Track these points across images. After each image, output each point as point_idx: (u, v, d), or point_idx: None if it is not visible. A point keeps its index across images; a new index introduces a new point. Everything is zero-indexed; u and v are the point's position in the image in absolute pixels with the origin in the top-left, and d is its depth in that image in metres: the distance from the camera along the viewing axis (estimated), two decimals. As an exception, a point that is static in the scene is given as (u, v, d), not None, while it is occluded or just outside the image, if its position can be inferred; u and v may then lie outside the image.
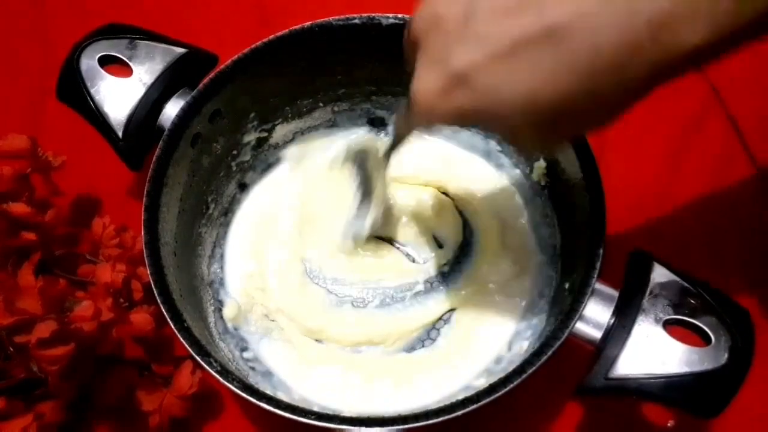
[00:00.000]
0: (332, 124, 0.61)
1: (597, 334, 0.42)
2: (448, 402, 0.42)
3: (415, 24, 0.33)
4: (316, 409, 0.49)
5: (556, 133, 0.33)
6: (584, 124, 0.33)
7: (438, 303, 0.55)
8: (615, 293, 0.43)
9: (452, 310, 0.55)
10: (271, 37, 0.52)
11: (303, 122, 0.60)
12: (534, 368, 0.41)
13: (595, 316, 0.43)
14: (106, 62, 0.54)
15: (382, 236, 0.57)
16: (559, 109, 0.29)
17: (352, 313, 0.55)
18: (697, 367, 0.40)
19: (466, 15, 0.30)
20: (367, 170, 0.53)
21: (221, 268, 0.57)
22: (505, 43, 0.28)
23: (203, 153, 0.54)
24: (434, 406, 0.42)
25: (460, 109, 0.31)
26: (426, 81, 0.32)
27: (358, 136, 0.60)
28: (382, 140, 0.54)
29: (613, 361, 0.41)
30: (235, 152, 0.58)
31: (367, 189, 0.53)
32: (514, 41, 0.28)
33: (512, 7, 0.28)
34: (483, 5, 0.29)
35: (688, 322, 0.42)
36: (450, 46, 0.30)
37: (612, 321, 0.42)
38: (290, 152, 0.61)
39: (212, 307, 0.55)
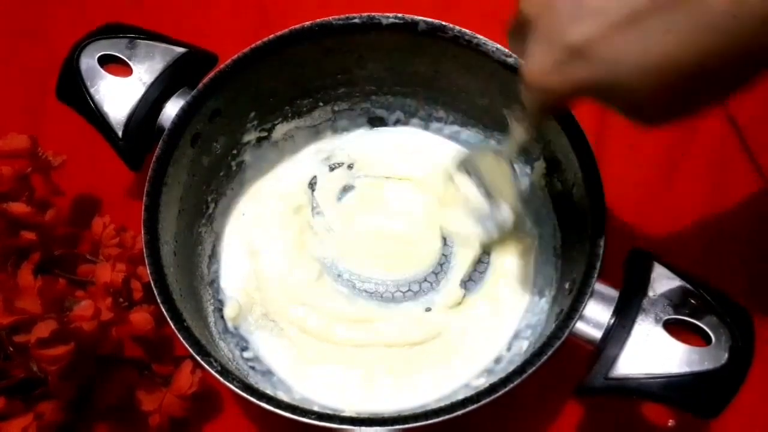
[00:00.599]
0: (332, 124, 0.61)
1: (597, 333, 0.42)
2: (447, 401, 0.42)
3: (525, 7, 0.32)
4: (316, 408, 0.49)
5: (691, 100, 0.31)
6: (724, 88, 0.30)
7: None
8: (615, 293, 0.43)
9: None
10: (271, 36, 0.51)
11: (303, 121, 0.60)
12: (534, 368, 0.41)
13: (595, 315, 0.43)
14: (106, 62, 0.53)
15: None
16: (700, 72, 0.28)
17: (359, 310, 0.55)
18: (697, 367, 0.40)
19: None
20: (481, 173, 0.53)
21: (221, 267, 0.57)
22: (626, 12, 0.28)
23: (203, 153, 0.54)
24: (434, 405, 0.42)
25: (578, 82, 0.31)
26: (540, 59, 0.31)
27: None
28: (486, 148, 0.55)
29: (613, 360, 0.41)
30: (235, 152, 0.58)
31: (488, 190, 0.53)
32: (635, 10, 0.27)
33: None
34: None
35: (688, 322, 0.42)
36: (564, 22, 0.30)
37: (612, 321, 0.42)
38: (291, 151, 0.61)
39: (212, 307, 0.55)
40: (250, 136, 0.58)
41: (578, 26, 0.29)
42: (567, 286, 0.48)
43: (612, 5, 0.28)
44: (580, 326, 0.43)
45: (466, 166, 0.53)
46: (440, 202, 0.57)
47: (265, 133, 0.59)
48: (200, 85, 0.51)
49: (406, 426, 0.41)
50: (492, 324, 0.54)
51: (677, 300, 0.42)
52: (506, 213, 0.53)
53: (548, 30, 0.31)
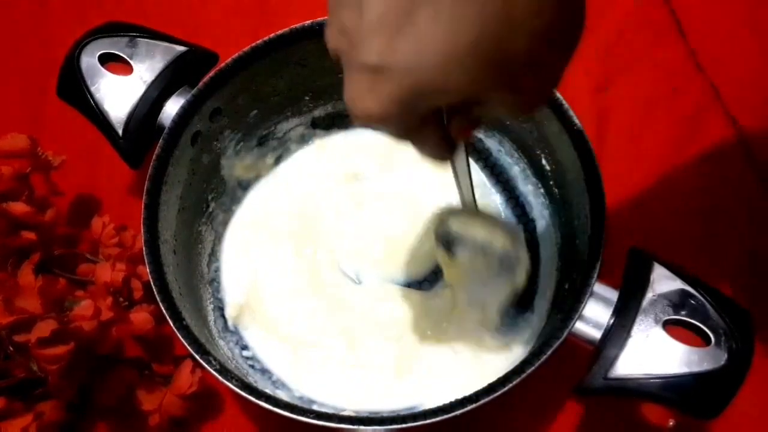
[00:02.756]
0: (333, 123, 0.61)
1: (597, 334, 0.42)
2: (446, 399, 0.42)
3: (329, 42, 0.32)
4: (315, 407, 0.49)
5: (519, 82, 0.30)
6: (536, 62, 0.29)
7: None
8: (615, 293, 0.43)
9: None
10: (272, 35, 0.51)
11: (303, 120, 0.60)
12: (533, 368, 0.41)
13: (594, 316, 0.43)
14: (107, 60, 0.53)
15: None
16: (486, 43, 0.27)
17: (359, 309, 0.55)
18: (697, 368, 0.40)
19: (357, 14, 0.29)
20: (463, 236, 0.49)
21: (221, 266, 0.57)
22: (399, 16, 0.27)
23: (203, 151, 0.54)
24: (432, 404, 0.42)
25: (395, 98, 0.29)
26: (351, 88, 0.31)
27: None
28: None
29: (612, 361, 0.41)
30: (235, 150, 0.58)
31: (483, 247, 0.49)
32: (406, 9, 0.27)
33: None
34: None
35: (688, 322, 0.42)
36: (356, 45, 0.29)
37: (612, 321, 0.42)
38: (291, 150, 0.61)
39: (212, 306, 0.55)
40: (251, 135, 0.58)
41: (367, 46, 0.29)
42: (567, 286, 0.48)
43: (385, 16, 0.28)
44: (580, 326, 0.43)
45: (447, 238, 0.50)
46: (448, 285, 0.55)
47: (265, 132, 0.59)
48: (201, 84, 0.51)
49: (406, 426, 0.41)
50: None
51: (677, 300, 0.42)
52: (515, 254, 0.49)
53: (348, 58, 0.30)
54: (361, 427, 0.42)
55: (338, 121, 0.61)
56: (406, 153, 0.60)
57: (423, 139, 0.35)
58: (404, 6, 0.27)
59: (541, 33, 0.28)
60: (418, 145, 0.36)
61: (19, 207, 0.52)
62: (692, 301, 0.42)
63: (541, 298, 0.53)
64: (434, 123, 0.34)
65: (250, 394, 0.42)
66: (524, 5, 0.27)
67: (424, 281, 0.56)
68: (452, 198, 0.57)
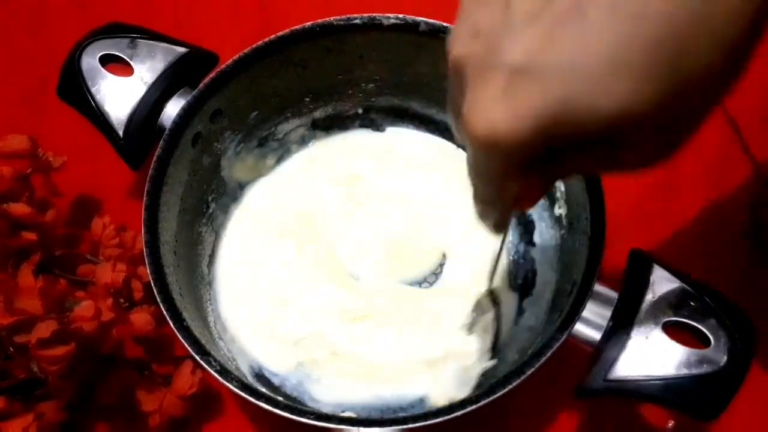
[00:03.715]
0: (333, 124, 0.61)
1: (596, 335, 0.42)
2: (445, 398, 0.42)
3: (453, 52, 0.26)
4: (316, 405, 0.49)
5: (682, 103, 0.23)
6: (707, 73, 0.22)
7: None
8: (614, 294, 0.43)
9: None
10: (272, 36, 0.51)
11: (304, 121, 0.60)
12: (533, 369, 0.41)
13: (594, 317, 0.43)
14: (107, 61, 0.54)
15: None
16: (666, 51, 0.21)
17: (360, 307, 0.55)
18: (696, 369, 0.40)
19: (500, 11, 0.24)
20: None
21: (221, 267, 0.57)
22: (560, 12, 0.22)
23: (204, 152, 0.54)
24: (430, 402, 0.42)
25: (538, 114, 0.23)
26: (480, 102, 0.24)
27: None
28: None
29: (612, 362, 0.41)
30: (236, 151, 0.58)
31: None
32: (570, 5, 0.22)
33: None
34: None
35: (688, 323, 0.42)
36: (495, 47, 0.24)
37: (611, 322, 0.42)
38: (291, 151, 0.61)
39: (212, 307, 0.55)
40: (251, 136, 0.58)
41: (512, 44, 0.23)
42: (566, 287, 0.48)
43: (540, 12, 0.23)
44: (580, 328, 0.43)
45: None
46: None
47: (266, 133, 0.59)
48: (201, 85, 0.51)
49: (406, 426, 0.41)
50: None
51: (676, 302, 0.42)
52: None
53: (480, 63, 0.25)
54: (362, 428, 0.42)
55: (338, 122, 0.61)
56: (405, 154, 0.60)
57: (502, 193, 0.29)
58: (571, 1, 0.22)
59: (732, 49, 0.22)
60: (488, 200, 0.30)
61: (19, 208, 0.52)
62: (692, 303, 0.42)
63: (540, 298, 0.53)
64: (531, 174, 0.28)
65: (249, 395, 0.42)
66: (726, 8, 0.21)
67: (424, 282, 0.56)
68: (451, 197, 0.58)
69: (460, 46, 0.26)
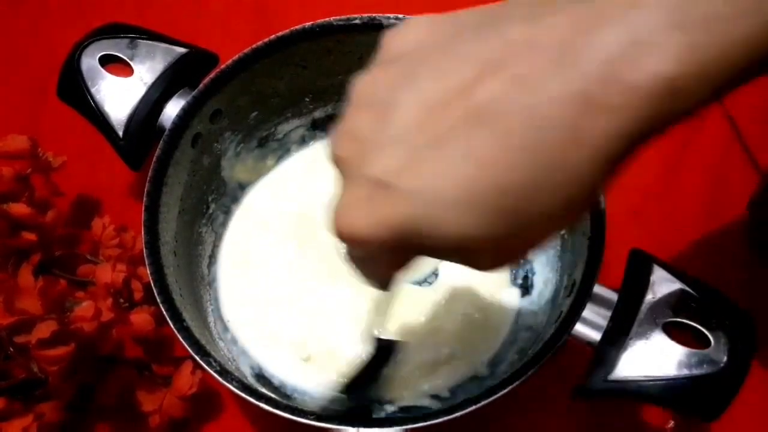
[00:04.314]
0: (333, 124, 0.61)
1: (596, 335, 0.42)
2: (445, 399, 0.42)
3: (333, 148, 0.29)
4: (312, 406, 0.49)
5: (516, 236, 0.26)
6: (544, 218, 0.25)
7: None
8: (614, 295, 0.43)
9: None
10: (272, 36, 0.51)
11: (304, 122, 0.60)
12: (533, 370, 0.41)
13: (594, 318, 0.43)
14: (107, 62, 0.54)
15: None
16: (504, 201, 0.24)
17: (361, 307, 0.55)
18: (696, 370, 0.40)
19: (378, 117, 0.26)
20: None
21: (221, 267, 0.57)
22: (429, 137, 0.25)
23: (204, 153, 0.54)
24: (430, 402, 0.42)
25: (388, 222, 0.26)
26: (344, 202, 0.28)
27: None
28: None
29: (612, 363, 0.41)
30: (236, 152, 0.58)
31: None
32: (438, 133, 0.24)
33: (433, 98, 0.25)
34: (400, 102, 0.26)
35: (688, 324, 0.42)
36: (367, 154, 0.26)
37: (611, 323, 0.42)
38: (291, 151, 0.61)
39: (212, 307, 0.55)
40: (251, 137, 0.58)
41: (379, 158, 0.26)
42: (566, 287, 0.48)
43: (413, 130, 0.25)
44: (580, 328, 0.43)
45: None
46: None
47: (266, 133, 0.59)
48: (201, 86, 0.51)
49: (406, 426, 0.41)
50: (491, 323, 0.54)
51: (676, 302, 0.42)
52: None
53: (352, 167, 0.27)
54: (361, 428, 0.42)
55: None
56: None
57: (374, 270, 0.32)
58: (440, 129, 0.24)
59: (571, 204, 0.25)
60: (365, 274, 0.33)
61: (19, 208, 0.52)
62: (692, 303, 0.42)
63: (540, 298, 0.53)
64: (398, 263, 0.31)
65: (249, 395, 0.42)
66: (570, 172, 0.24)
67: (425, 281, 0.56)
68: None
69: (338, 147, 0.28)
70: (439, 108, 0.24)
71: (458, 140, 0.24)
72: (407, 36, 0.28)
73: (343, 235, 0.28)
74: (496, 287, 0.55)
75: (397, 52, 0.28)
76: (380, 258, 0.30)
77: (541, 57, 0.23)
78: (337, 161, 0.29)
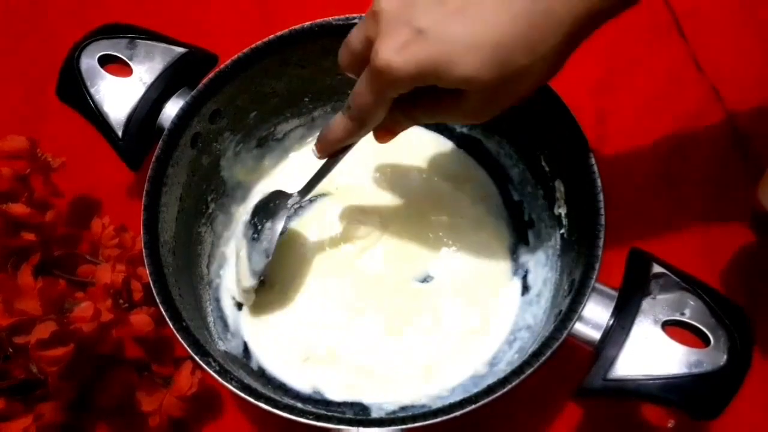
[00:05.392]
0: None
1: (596, 335, 0.42)
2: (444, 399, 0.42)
3: (379, 3, 0.38)
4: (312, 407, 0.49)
5: (501, 90, 0.38)
6: (525, 76, 0.37)
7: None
8: (614, 294, 0.43)
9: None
10: (271, 36, 0.51)
11: (303, 121, 0.60)
12: (532, 369, 0.41)
13: (594, 316, 0.43)
14: (106, 62, 0.54)
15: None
16: (503, 57, 0.36)
17: (362, 306, 0.56)
18: (696, 369, 0.40)
19: None
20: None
21: (221, 267, 0.57)
22: (456, 5, 0.36)
23: (203, 153, 0.54)
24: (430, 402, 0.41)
25: (420, 60, 0.36)
26: (389, 38, 0.37)
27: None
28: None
29: (611, 362, 0.41)
30: (235, 152, 0.58)
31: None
32: (464, 3, 0.36)
33: None
34: None
35: (687, 323, 0.42)
36: (415, 11, 0.37)
37: (611, 322, 0.42)
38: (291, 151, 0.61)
39: (211, 307, 0.55)
40: (251, 136, 0.58)
41: (425, 12, 0.36)
42: (566, 286, 0.48)
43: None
44: (579, 327, 0.43)
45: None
46: None
47: (265, 133, 0.59)
48: (200, 86, 0.51)
49: (405, 426, 0.41)
50: (491, 324, 0.54)
51: (676, 301, 0.42)
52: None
53: (398, 18, 0.37)
54: (361, 428, 0.42)
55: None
56: (405, 152, 0.60)
57: (378, 116, 0.42)
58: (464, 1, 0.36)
59: (544, 59, 0.37)
60: (370, 119, 0.43)
61: (19, 208, 0.52)
62: (691, 302, 0.42)
63: (540, 298, 0.53)
64: (396, 110, 0.42)
65: (249, 395, 0.42)
66: (543, 35, 0.36)
67: (424, 280, 0.56)
68: (450, 192, 0.58)
69: (385, 2, 0.38)
70: None
71: (476, 6, 0.36)
72: None
73: (379, 67, 0.38)
74: (496, 285, 0.55)
75: None
76: (387, 93, 0.40)
77: None
78: (380, 12, 0.38)
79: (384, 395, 0.52)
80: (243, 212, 0.59)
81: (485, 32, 0.35)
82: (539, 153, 0.54)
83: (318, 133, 0.59)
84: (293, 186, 0.59)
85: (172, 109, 0.52)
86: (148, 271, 0.46)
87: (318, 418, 0.41)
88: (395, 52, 0.37)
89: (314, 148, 0.49)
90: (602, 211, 0.45)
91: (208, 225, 0.57)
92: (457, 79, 0.37)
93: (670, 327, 0.42)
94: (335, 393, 0.53)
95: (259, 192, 0.60)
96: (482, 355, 0.53)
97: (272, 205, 0.53)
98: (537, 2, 0.35)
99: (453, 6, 0.36)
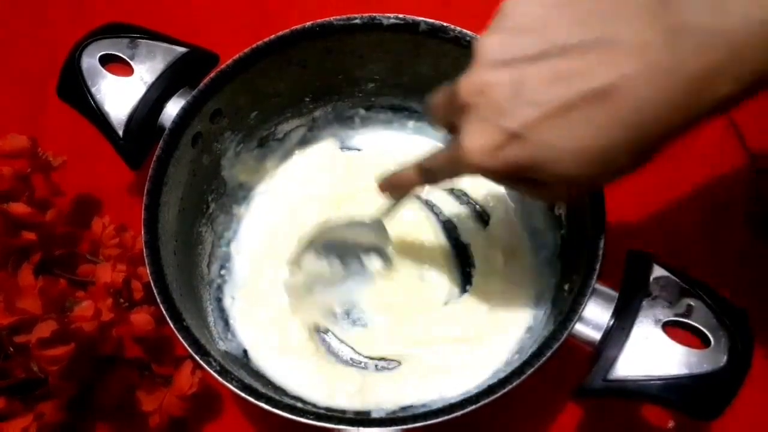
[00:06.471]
0: (333, 124, 0.61)
1: (596, 335, 0.42)
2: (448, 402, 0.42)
3: (464, 89, 0.35)
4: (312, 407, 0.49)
5: (595, 183, 0.39)
6: (623, 172, 0.35)
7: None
8: (614, 294, 0.43)
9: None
10: (272, 36, 0.51)
11: (304, 121, 0.60)
12: (533, 369, 0.41)
13: (594, 317, 0.43)
14: (107, 61, 0.54)
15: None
16: (607, 160, 0.33)
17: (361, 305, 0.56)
18: (696, 369, 0.40)
19: (514, 83, 0.33)
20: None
21: (224, 265, 0.57)
22: (557, 106, 0.32)
23: (204, 152, 0.54)
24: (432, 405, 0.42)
25: (514, 162, 0.34)
26: (479, 137, 0.34)
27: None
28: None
29: (612, 362, 0.41)
30: (236, 152, 0.58)
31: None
32: (564, 104, 0.32)
33: (561, 76, 0.32)
34: (531, 74, 0.32)
35: (687, 323, 0.42)
36: (503, 108, 0.33)
37: (611, 322, 0.42)
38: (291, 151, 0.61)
39: (212, 307, 0.55)
40: (251, 136, 0.58)
41: (517, 113, 0.33)
42: (566, 287, 0.48)
43: (547, 98, 0.32)
44: (579, 327, 0.43)
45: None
46: None
47: (266, 133, 0.59)
48: (201, 85, 0.51)
49: (406, 426, 0.41)
50: (492, 325, 0.54)
51: (676, 301, 0.42)
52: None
53: (486, 112, 0.34)
54: (361, 429, 0.42)
55: (339, 122, 0.61)
56: (406, 153, 0.60)
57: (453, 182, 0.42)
58: (564, 100, 0.32)
59: (631, 168, 0.34)
60: (444, 184, 0.45)
61: (19, 207, 0.52)
62: (691, 303, 0.42)
63: (540, 298, 0.53)
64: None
65: (249, 395, 0.42)
66: (650, 140, 0.32)
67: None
68: (448, 198, 0.58)
69: (469, 95, 0.35)
70: (564, 82, 0.32)
71: (582, 112, 0.32)
72: (528, 7, 0.33)
73: (468, 164, 0.36)
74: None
75: (520, 22, 0.33)
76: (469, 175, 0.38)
77: (645, 58, 0.30)
78: (467, 106, 0.35)
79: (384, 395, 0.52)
80: (244, 212, 0.59)
81: (593, 137, 0.32)
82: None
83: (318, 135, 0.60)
84: (293, 186, 0.60)
85: (173, 108, 0.52)
86: (148, 271, 0.46)
87: (318, 417, 0.41)
88: (488, 155, 0.35)
89: (377, 185, 0.47)
90: (603, 212, 0.45)
91: (208, 225, 0.57)
92: (556, 178, 0.35)
93: (671, 327, 0.42)
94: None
95: (260, 192, 0.60)
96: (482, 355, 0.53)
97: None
98: (657, 110, 0.32)
99: (551, 109, 0.32)
